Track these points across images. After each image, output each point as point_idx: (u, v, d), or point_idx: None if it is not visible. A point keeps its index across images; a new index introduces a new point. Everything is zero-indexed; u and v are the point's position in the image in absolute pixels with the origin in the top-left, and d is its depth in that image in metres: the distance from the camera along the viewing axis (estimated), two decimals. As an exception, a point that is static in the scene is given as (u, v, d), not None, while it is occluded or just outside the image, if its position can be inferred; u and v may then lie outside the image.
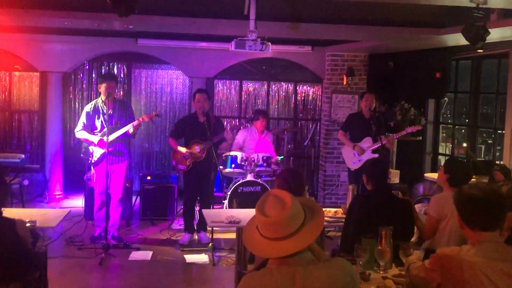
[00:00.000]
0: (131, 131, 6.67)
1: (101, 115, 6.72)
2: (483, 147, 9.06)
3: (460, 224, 2.83)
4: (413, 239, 5.22)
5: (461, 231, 2.87)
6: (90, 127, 6.77)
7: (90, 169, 7.18)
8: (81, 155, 6.91)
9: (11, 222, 3.77)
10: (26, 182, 8.63)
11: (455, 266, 2.64)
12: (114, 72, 9.64)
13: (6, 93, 9.45)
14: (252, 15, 5.55)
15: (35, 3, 6.14)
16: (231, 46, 5.59)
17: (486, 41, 5.97)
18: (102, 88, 6.69)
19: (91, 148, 6.77)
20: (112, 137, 6.60)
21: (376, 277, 3.42)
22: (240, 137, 8.10)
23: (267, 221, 2.34)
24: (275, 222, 2.31)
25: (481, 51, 7.55)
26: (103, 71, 9.64)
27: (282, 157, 8.31)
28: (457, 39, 6.59)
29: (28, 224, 4.20)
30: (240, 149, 7.92)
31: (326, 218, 5.12)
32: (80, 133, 6.79)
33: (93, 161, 6.80)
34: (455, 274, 2.64)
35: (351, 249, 3.60)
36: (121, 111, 6.83)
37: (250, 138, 8.07)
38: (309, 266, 2.32)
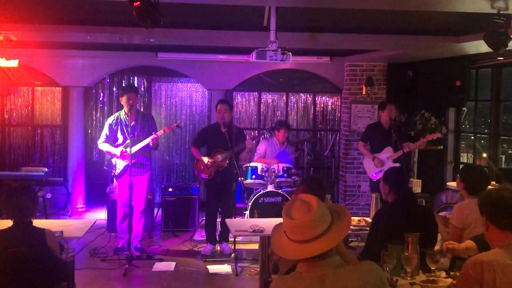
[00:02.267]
0: (151, 144, 6.73)
1: (124, 127, 6.80)
2: (503, 157, 8.97)
3: (485, 225, 2.81)
4: (437, 247, 5.20)
5: (487, 235, 2.84)
6: (112, 139, 6.86)
7: (113, 181, 7.25)
8: (104, 167, 6.99)
9: (41, 232, 3.83)
10: (49, 196, 8.76)
11: (488, 270, 2.61)
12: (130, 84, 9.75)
13: (29, 108, 9.61)
14: (272, 26, 5.60)
15: (57, 18, 6.26)
16: (252, 57, 5.64)
17: (507, 49, 5.98)
18: (124, 100, 6.78)
19: (114, 160, 6.85)
20: (135, 149, 6.68)
21: (404, 284, 3.40)
22: (261, 147, 8.15)
23: (293, 224, 2.37)
24: (301, 224, 2.35)
25: (502, 58, 7.54)
26: (123, 85, 9.76)
27: (301, 171, 8.30)
28: (477, 46, 6.59)
29: (56, 235, 4.26)
30: (264, 158, 7.95)
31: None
32: (103, 145, 6.88)
33: (116, 174, 6.87)
34: (488, 280, 2.61)
35: (377, 259, 3.57)
36: (143, 123, 6.91)
37: (271, 149, 8.11)
38: (339, 269, 2.33)
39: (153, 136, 6.70)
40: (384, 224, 4.09)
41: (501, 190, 2.77)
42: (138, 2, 3.53)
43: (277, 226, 2.61)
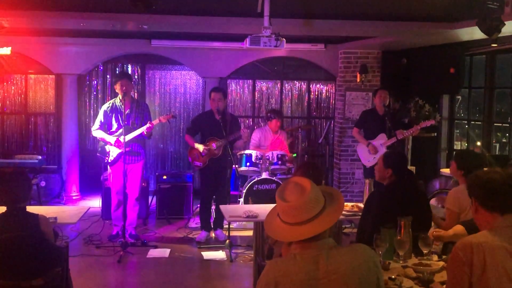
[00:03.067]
0: (145, 132, 6.71)
1: (118, 115, 6.78)
2: (497, 145, 9.01)
3: (474, 207, 2.81)
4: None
5: (475, 217, 2.85)
6: (106, 126, 6.84)
7: (107, 168, 7.25)
8: (98, 154, 6.98)
9: (35, 217, 3.83)
10: (43, 183, 8.74)
11: (477, 252, 2.63)
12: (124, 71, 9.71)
13: (22, 96, 9.56)
14: (266, 12, 5.60)
15: (50, 4, 6.22)
16: (246, 43, 5.63)
17: (501, 35, 5.98)
18: (118, 87, 6.76)
19: (107, 147, 6.84)
20: (129, 137, 6.66)
21: (396, 267, 3.42)
22: (255, 136, 8.16)
23: (287, 206, 2.38)
24: (294, 206, 2.36)
25: (495, 45, 7.53)
26: (117, 72, 9.72)
27: (296, 154, 8.32)
28: (471, 33, 6.59)
29: (50, 221, 4.26)
30: (258, 147, 7.96)
31: (343, 212, 5.13)
32: (97, 132, 6.86)
33: (109, 161, 6.86)
34: (478, 261, 2.62)
35: (369, 242, 3.59)
36: (138, 111, 6.89)
37: (264, 137, 8.13)
38: (332, 251, 2.35)
39: (148, 125, 6.68)
40: (376, 206, 4.09)
41: (490, 173, 2.77)
42: (131, -14, 3.51)
43: (271, 210, 2.62)
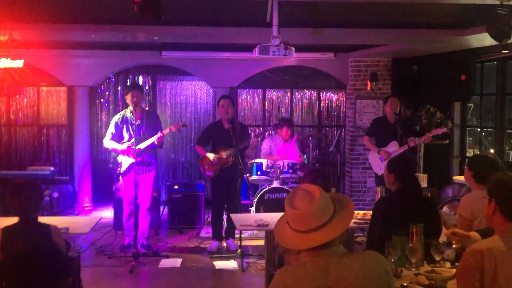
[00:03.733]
0: (156, 142, 6.75)
1: (129, 126, 6.82)
2: (510, 153, 8.94)
3: (491, 211, 2.78)
4: (445, 239, 5.18)
5: (490, 218, 2.82)
6: (118, 137, 6.88)
7: (119, 179, 7.28)
8: (110, 165, 7.02)
9: (46, 227, 3.86)
10: (55, 195, 8.78)
11: (488, 258, 2.61)
12: (135, 82, 9.77)
13: (35, 108, 9.66)
14: (275, 21, 5.62)
15: (60, 17, 6.28)
16: (255, 52, 5.65)
17: (511, 42, 5.96)
18: (128, 98, 6.81)
19: (119, 158, 6.87)
20: (140, 147, 6.70)
21: (408, 274, 3.40)
22: (266, 145, 8.14)
23: (296, 214, 2.37)
24: (304, 214, 2.35)
25: (506, 51, 7.51)
26: (128, 84, 9.79)
27: (305, 155, 8.26)
28: (482, 39, 6.57)
29: (62, 231, 4.29)
30: (269, 156, 7.95)
31: (354, 220, 5.11)
32: (109, 143, 6.91)
33: (121, 171, 6.89)
34: (489, 267, 2.60)
35: (378, 248, 3.56)
36: (148, 122, 6.93)
37: (275, 146, 8.11)
38: (343, 258, 2.33)
39: (159, 134, 6.72)
40: (381, 212, 4.04)
41: None
42: (140, -3, 3.54)
43: (280, 218, 2.61)
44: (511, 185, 2.73)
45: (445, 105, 9.18)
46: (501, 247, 2.61)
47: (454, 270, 3.35)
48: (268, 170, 7.51)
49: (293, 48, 5.63)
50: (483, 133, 9.09)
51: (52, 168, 8.24)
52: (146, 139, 6.79)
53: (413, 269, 3.50)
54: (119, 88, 9.87)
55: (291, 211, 2.39)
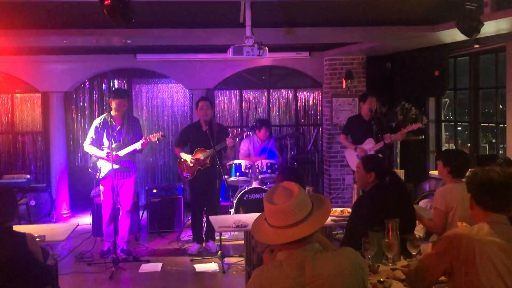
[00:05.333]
0: (138, 147, 6.71)
1: (109, 131, 6.75)
2: (487, 146, 9.08)
3: (470, 203, 2.88)
4: (421, 235, 5.25)
5: (469, 212, 2.90)
6: (98, 142, 6.81)
7: (97, 185, 7.21)
8: (89, 169, 6.94)
9: (22, 236, 3.80)
10: (33, 203, 8.68)
11: (466, 245, 2.67)
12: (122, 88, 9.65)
13: (9, 116, 9.52)
14: (248, 22, 5.62)
15: (32, 23, 6.22)
16: (229, 53, 5.64)
17: (482, 36, 6.05)
18: (114, 104, 6.74)
19: (99, 163, 6.81)
20: (122, 153, 6.66)
21: (385, 269, 3.43)
22: (244, 146, 8.14)
23: (274, 209, 2.39)
24: (281, 209, 2.36)
25: (478, 46, 7.61)
26: (103, 88, 9.72)
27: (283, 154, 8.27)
28: (453, 35, 6.64)
29: (38, 239, 4.23)
30: (247, 157, 7.95)
31: (332, 218, 5.14)
32: (89, 148, 6.83)
33: (100, 177, 6.83)
34: (466, 254, 2.66)
35: (359, 246, 3.58)
36: (129, 128, 6.87)
37: (253, 147, 8.12)
38: (317, 255, 2.35)
39: (142, 141, 6.66)
40: (366, 210, 4.06)
41: (490, 172, 2.82)
42: (109, 1, 3.52)
43: (259, 215, 2.62)
44: (484, 176, 2.81)
45: (420, 101, 9.29)
46: (480, 235, 2.69)
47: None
48: (247, 171, 7.51)
49: (267, 48, 5.64)
50: (458, 128, 9.21)
51: (28, 176, 8.15)
52: (126, 145, 6.73)
53: (390, 264, 3.53)
54: (95, 92, 9.77)
55: (269, 206, 2.41)
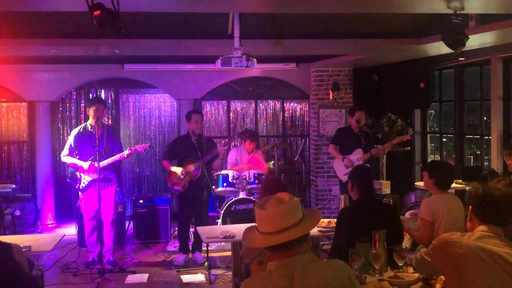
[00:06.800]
0: (124, 157, 6.69)
1: (89, 140, 6.70)
2: (471, 157, 9.18)
3: (470, 216, 2.92)
4: (407, 246, 5.27)
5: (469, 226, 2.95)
6: (77, 151, 6.75)
7: (78, 194, 7.15)
8: (68, 180, 6.87)
9: (7, 246, 3.76)
10: (18, 213, 8.60)
11: (454, 250, 2.72)
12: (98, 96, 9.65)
13: (-5, 125, 9.46)
14: (236, 33, 5.65)
15: (19, 32, 6.19)
16: (217, 64, 5.67)
17: (467, 49, 6.13)
18: (91, 111, 6.71)
19: (78, 173, 6.74)
20: (103, 164, 6.57)
21: (372, 280, 3.44)
22: (231, 156, 8.15)
23: (265, 214, 2.41)
24: (272, 214, 2.39)
25: (463, 59, 7.72)
26: (90, 98, 9.67)
27: (273, 161, 8.25)
28: (438, 47, 6.73)
29: (24, 250, 4.19)
30: (235, 166, 7.95)
31: (319, 228, 5.16)
32: (67, 158, 6.76)
33: (81, 187, 6.77)
34: (454, 259, 2.71)
35: (345, 257, 3.59)
36: (110, 137, 6.84)
37: (240, 157, 8.13)
38: (307, 266, 2.35)
39: (128, 151, 6.64)
40: (348, 222, 4.10)
41: (491, 188, 2.85)
42: (98, 11, 3.53)
43: (250, 226, 2.64)
44: (485, 192, 2.86)
45: (406, 112, 9.37)
46: (472, 242, 2.73)
47: (416, 275, 3.41)
48: (234, 181, 7.51)
49: (255, 59, 5.68)
50: (444, 139, 9.30)
51: (14, 186, 8.06)
52: (108, 155, 6.69)
53: (377, 275, 3.55)
54: (81, 102, 9.74)
55: (260, 212, 2.43)
